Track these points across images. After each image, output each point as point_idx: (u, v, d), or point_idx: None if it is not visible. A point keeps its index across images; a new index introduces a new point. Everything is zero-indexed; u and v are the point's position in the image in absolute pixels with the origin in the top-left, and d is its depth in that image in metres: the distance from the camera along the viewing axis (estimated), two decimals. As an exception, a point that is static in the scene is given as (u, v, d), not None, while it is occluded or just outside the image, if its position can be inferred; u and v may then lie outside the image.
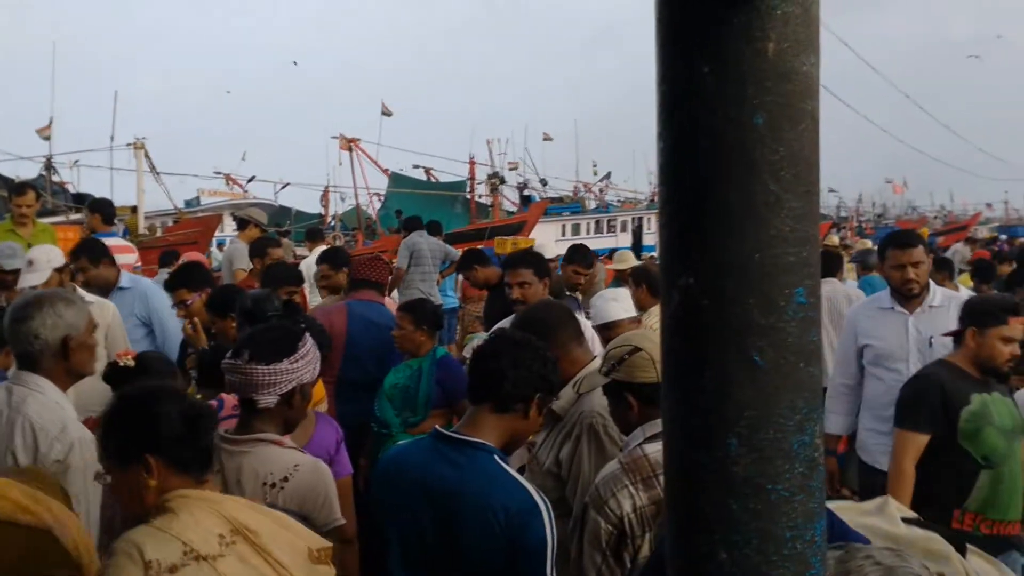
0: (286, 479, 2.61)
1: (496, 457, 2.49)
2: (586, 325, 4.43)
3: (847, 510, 2.16)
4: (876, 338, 4.52)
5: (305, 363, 2.73)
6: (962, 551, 2.00)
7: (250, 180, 37.55)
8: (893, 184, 79.25)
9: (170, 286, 5.30)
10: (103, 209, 8.06)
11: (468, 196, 34.95)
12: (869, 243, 15.29)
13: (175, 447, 2.11)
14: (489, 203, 34.86)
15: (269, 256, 6.84)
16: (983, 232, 47.72)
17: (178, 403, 2.18)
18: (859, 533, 2.60)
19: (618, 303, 4.88)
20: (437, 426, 2.67)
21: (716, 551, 0.88)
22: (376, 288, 5.61)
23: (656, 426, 2.61)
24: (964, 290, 7.71)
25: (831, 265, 8.68)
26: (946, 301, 4.51)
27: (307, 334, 2.82)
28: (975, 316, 3.89)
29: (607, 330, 4.60)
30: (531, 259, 5.35)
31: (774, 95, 0.88)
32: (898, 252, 4.42)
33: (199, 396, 3.65)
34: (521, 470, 3.07)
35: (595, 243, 21.93)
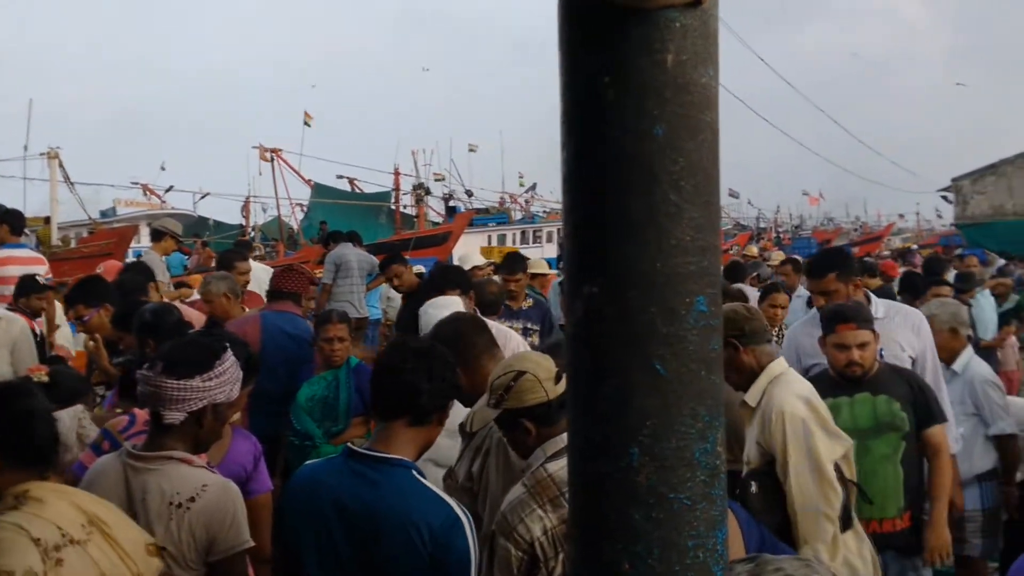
0: (193, 499, 2.52)
1: (414, 472, 2.46)
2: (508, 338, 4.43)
3: None
4: (821, 357, 4.32)
5: (220, 382, 2.63)
6: None
7: (168, 190, 36.83)
8: (809, 196, 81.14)
9: (68, 301, 5.18)
10: (10, 220, 7.79)
11: (393, 207, 34.76)
12: (781, 255, 15.61)
13: (8, 445, 2.27)
14: (414, 214, 34.70)
15: (236, 270, 6.76)
16: (896, 242, 49.17)
17: (11, 404, 2.33)
18: (787, 546, 2.66)
19: (446, 311, 4.68)
20: (349, 443, 2.62)
21: (619, 561, 0.88)
22: (293, 299, 5.54)
23: (556, 444, 2.59)
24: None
25: (737, 273, 9.22)
26: (890, 312, 4.58)
27: (228, 352, 2.72)
28: (821, 325, 4.11)
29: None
30: (458, 276, 5.37)
31: (673, 106, 0.89)
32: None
33: (118, 410, 3.53)
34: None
35: (522, 253, 21.97)
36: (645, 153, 0.88)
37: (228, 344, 2.75)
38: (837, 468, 3.37)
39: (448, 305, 4.80)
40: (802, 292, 8.31)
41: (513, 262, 7.36)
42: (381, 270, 7.66)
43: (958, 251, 20.55)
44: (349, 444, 2.60)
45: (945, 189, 34.77)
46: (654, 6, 0.87)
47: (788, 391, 3.47)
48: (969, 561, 4.70)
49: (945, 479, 3.97)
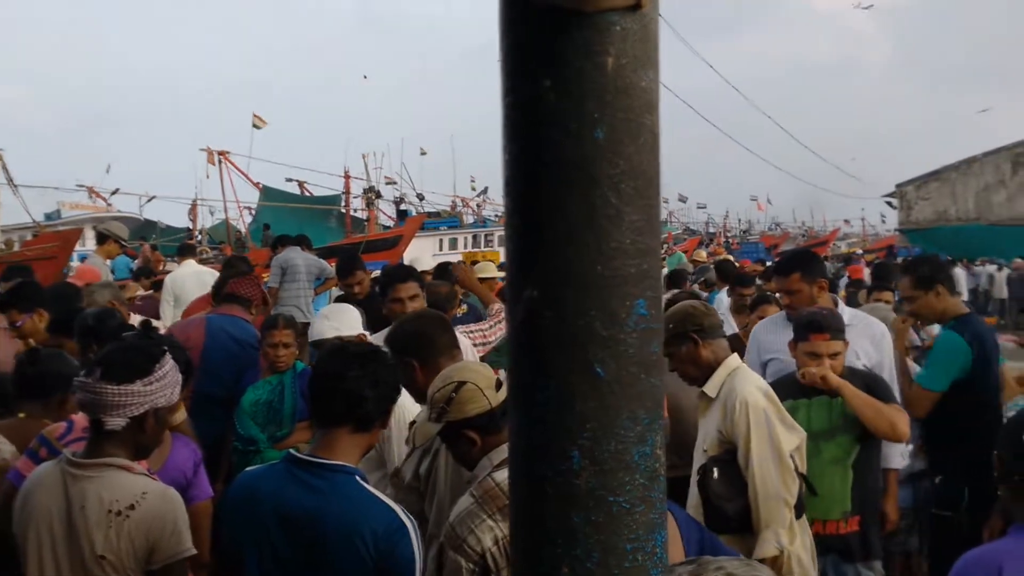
0: (132, 507, 2.48)
1: (358, 478, 2.44)
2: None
3: None
4: (779, 352, 4.50)
5: (161, 386, 2.58)
6: None
7: (114, 193, 36.33)
8: (757, 202, 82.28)
9: (0, 306, 5.07)
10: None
11: (343, 210, 34.58)
12: (731, 259, 15.80)
13: None
14: (364, 217, 34.55)
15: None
16: (842, 247, 50.01)
17: None
18: (731, 548, 2.69)
19: (329, 321, 4.64)
20: (291, 450, 2.59)
21: (558, 565, 0.88)
22: (242, 304, 5.49)
23: (502, 452, 2.57)
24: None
25: (678, 279, 9.51)
26: (853, 320, 4.63)
27: (167, 356, 2.67)
28: (794, 331, 4.19)
29: (317, 347, 4.52)
30: (416, 273, 5.34)
31: (614, 109, 0.89)
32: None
33: (20, 414, 3.43)
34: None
35: (472, 257, 21.99)
36: (585, 156, 0.88)
37: (167, 348, 2.71)
38: (791, 458, 3.44)
39: (345, 312, 4.67)
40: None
41: (441, 271, 7.40)
42: (345, 275, 7.49)
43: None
44: (291, 450, 2.57)
45: (890, 195, 35.46)
46: (594, 9, 0.87)
47: (748, 383, 3.55)
48: (907, 558, 4.80)
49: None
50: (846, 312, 4.65)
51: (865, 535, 3.96)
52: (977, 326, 4.68)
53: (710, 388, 3.62)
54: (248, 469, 2.71)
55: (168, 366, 2.64)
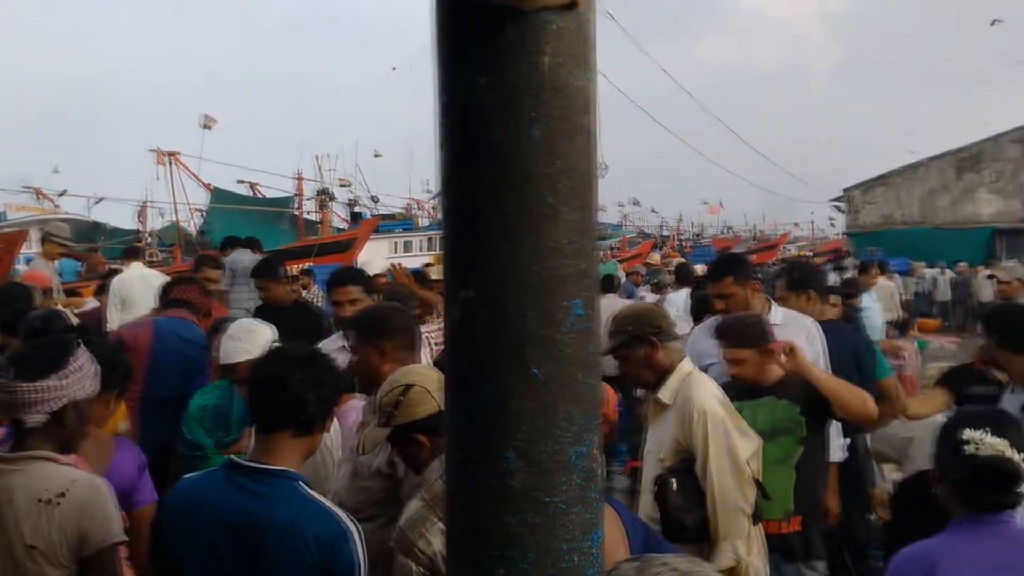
0: (62, 494, 2.44)
1: (300, 484, 2.41)
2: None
3: None
4: (717, 356, 4.43)
5: (77, 379, 2.55)
6: None
7: (61, 194, 35.70)
8: (709, 206, 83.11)
9: None
10: None
11: (295, 212, 34.32)
12: (685, 261, 15.95)
13: None
14: (317, 220, 34.32)
15: (202, 273, 6.58)
16: (792, 250, 50.68)
17: None
18: (672, 545, 2.69)
19: (239, 343, 4.16)
20: (231, 456, 2.56)
21: (494, 566, 0.87)
22: (191, 309, 5.42)
23: None
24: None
25: (608, 284, 9.79)
26: (787, 320, 4.68)
27: (81, 348, 2.63)
28: None
29: (230, 372, 4.21)
30: (358, 276, 5.28)
31: (549, 109, 0.88)
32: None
33: None
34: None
35: (427, 260, 21.96)
36: (521, 155, 0.88)
37: (81, 340, 2.66)
38: (748, 466, 3.46)
39: (254, 332, 4.30)
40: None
41: (419, 278, 7.36)
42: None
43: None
44: (232, 456, 2.54)
45: (838, 199, 36.05)
46: (529, 7, 0.86)
47: (705, 391, 3.53)
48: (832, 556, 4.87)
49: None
50: (779, 313, 4.71)
51: (807, 535, 3.99)
52: (842, 333, 4.85)
53: (665, 394, 3.59)
54: (187, 476, 2.66)
55: (83, 358, 2.60)
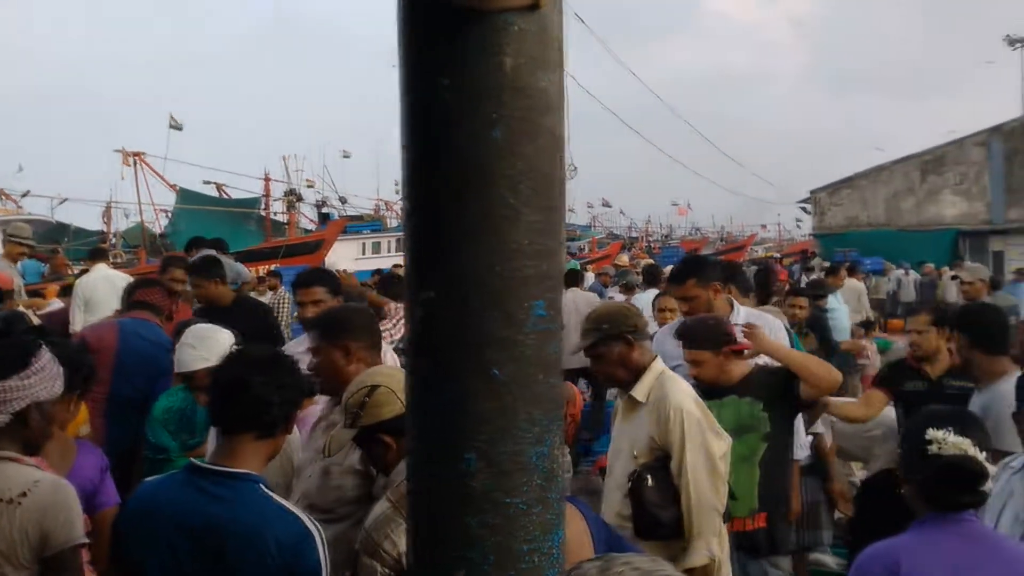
0: (24, 494, 2.41)
1: (262, 486, 2.39)
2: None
3: None
4: (680, 358, 4.41)
5: (39, 379, 2.52)
6: None
7: (24, 195, 35.22)
8: (678, 207, 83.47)
9: None
10: None
11: (262, 213, 34.08)
12: (651, 263, 16.03)
13: None
14: (285, 221, 34.11)
15: (170, 274, 6.48)
16: (759, 251, 51.08)
17: None
18: (635, 546, 2.70)
19: (196, 350, 4.06)
20: (192, 459, 2.53)
21: (454, 567, 0.87)
22: (154, 311, 5.37)
23: None
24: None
25: (572, 279, 9.86)
26: (750, 319, 4.70)
27: (44, 349, 2.60)
28: None
29: (188, 380, 4.14)
30: (324, 277, 5.22)
31: (511, 110, 0.88)
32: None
33: None
34: None
35: (397, 261, 21.87)
36: (483, 156, 0.88)
37: (43, 341, 2.64)
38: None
39: (211, 338, 4.20)
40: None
41: (384, 283, 7.35)
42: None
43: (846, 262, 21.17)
44: (192, 459, 2.51)
45: (804, 200, 36.35)
46: (491, 8, 0.86)
47: (680, 390, 3.55)
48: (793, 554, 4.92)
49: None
50: (741, 313, 4.74)
51: (772, 531, 4.02)
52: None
53: (639, 392, 3.60)
54: (148, 479, 2.63)
55: (46, 359, 2.58)
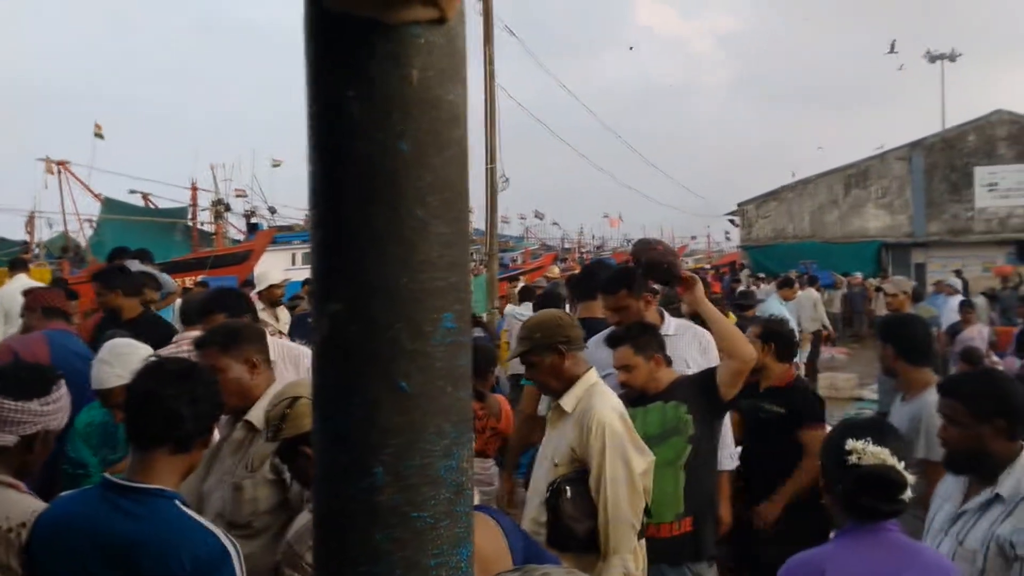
0: (24, 524, 2.39)
1: (178, 503, 2.35)
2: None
3: None
4: (611, 367, 4.49)
5: (55, 408, 2.53)
6: None
7: (-58, 204, 34.11)
8: (610, 218, 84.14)
9: None
10: None
11: (190, 223, 33.52)
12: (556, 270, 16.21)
13: None
14: (213, 231, 33.59)
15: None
16: (690, 263, 51.76)
17: None
18: (553, 555, 2.71)
19: (111, 368, 3.91)
20: (107, 475, 2.48)
21: (360, 584, 0.86)
22: (65, 318, 5.25)
23: None
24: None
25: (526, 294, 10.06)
26: (680, 330, 4.76)
27: (62, 381, 2.61)
28: None
29: (103, 397, 4.02)
30: (223, 304, 4.91)
31: (419, 122, 0.88)
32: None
33: None
34: None
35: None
36: (390, 168, 0.87)
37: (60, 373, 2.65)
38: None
39: (127, 356, 3.95)
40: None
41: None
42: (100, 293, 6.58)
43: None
44: (106, 475, 2.46)
45: (732, 213, 36.97)
46: (397, 21, 0.86)
47: (606, 404, 3.57)
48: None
49: None
50: (671, 323, 4.81)
51: (697, 535, 4.06)
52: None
53: (567, 403, 3.62)
54: (61, 495, 2.58)
55: (63, 391, 2.60)
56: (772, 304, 11.50)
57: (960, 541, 2.96)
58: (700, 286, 4.31)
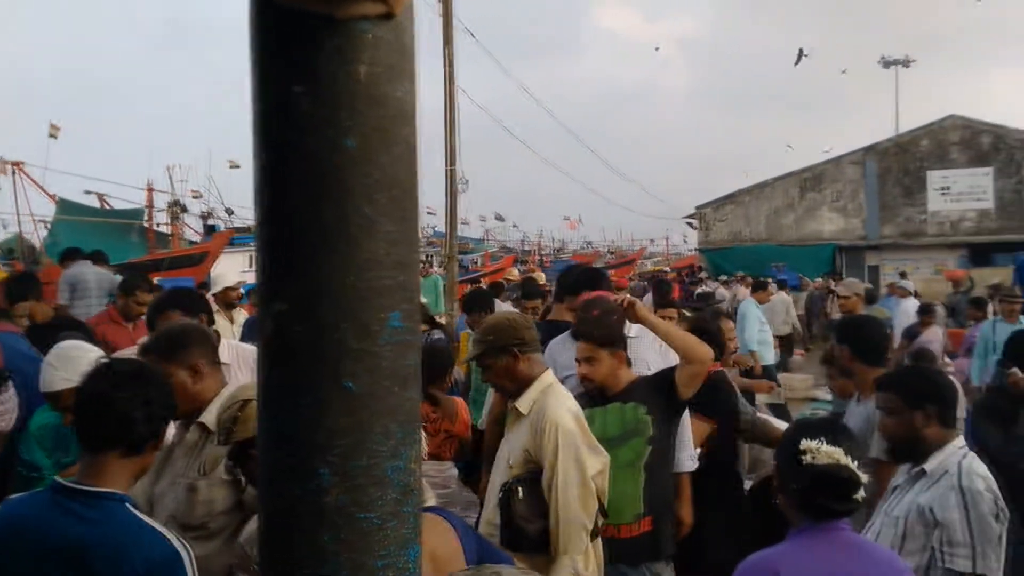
0: None
1: (129, 506, 2.31)
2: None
3: None
4: (574, 368, 4.44)
5: (3, 410, 2.45)
6: None
7: None
8: (569, 221, 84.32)
9: None
10: None
11: (146, 225, 33.07)
12: (543, 277, 16.16)
13: None
14: (169, 232, 33.18)
15: (135, 298, 6.18)
16: (648, 265, 52.07)
17: None
18: (507, 555, 2.70)
19: (58, 371, 3.75)
20: (57, 478, 2.44)
21: (306, 586, 0.85)
22: (8, 318, 5.16)
23: None
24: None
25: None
26: (641, 332, 4.76)
27: (9, 383, 2.53)
28: None
29: (52, 400, 3.80)
30: (181, 302, 4.83)
31: (367, 119, 0.87)
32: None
33: None
34: None
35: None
36: (337, 165, 0.86)
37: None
38: (594, 482, 3.49)
39: (75, 359, 3.80)
40: None
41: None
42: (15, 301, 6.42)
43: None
44: (57, 478, 2.41)
45: (690, 216, 37.25)
46: (345, 16, 0.85)
47: (560, 404, 3.56)
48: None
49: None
50: (633, 327, 4.81)
51: (656, 535, 4.06)
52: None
53: (522, 404, 3.61)
54: (10, 498, 2.52)
55: (10, 393, 2.51)
56: (749, 307, 11.58)
57: (887, 512, 3.14)
58: (639, 305, 4.33)
